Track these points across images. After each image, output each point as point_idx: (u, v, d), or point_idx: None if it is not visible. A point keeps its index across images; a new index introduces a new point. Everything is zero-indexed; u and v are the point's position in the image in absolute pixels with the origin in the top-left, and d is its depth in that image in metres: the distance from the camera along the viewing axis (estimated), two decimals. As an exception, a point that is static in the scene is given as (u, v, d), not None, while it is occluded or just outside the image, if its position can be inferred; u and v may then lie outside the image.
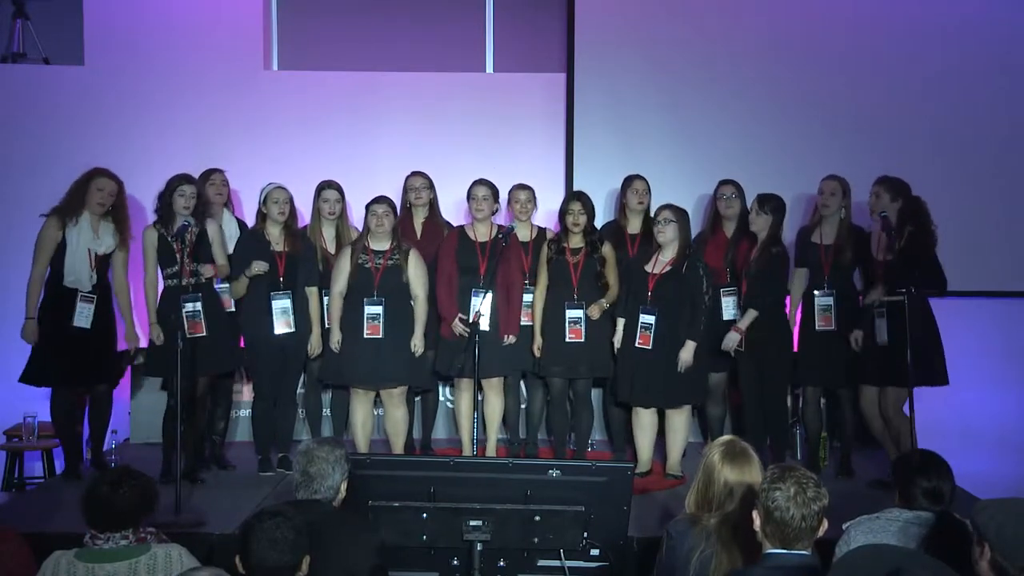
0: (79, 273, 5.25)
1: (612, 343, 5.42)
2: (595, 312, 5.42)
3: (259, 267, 5.32)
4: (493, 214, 5.57)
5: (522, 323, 5.53)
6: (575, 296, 5.45)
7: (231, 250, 5.52)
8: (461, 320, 5.33)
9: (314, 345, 5.47)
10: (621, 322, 5.39)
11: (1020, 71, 6.67)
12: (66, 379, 5.34)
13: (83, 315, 5.27)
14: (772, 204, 5.40)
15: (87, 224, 5.28)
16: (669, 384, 5.26)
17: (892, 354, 5.08)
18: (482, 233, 5.51)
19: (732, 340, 5.38)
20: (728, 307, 5.54)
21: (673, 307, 5.24)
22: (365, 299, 5.27)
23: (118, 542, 3.09)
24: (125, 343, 5.52)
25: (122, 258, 5.44)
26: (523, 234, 5.65)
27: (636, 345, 5.29)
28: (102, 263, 5.35)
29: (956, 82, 6.64)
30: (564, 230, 5.57)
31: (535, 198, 5.71)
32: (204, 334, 5.22)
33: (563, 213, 5.57)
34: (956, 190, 6.27)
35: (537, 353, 5.52)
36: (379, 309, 5.27)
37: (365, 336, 5.25)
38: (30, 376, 5.32)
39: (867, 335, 5.35)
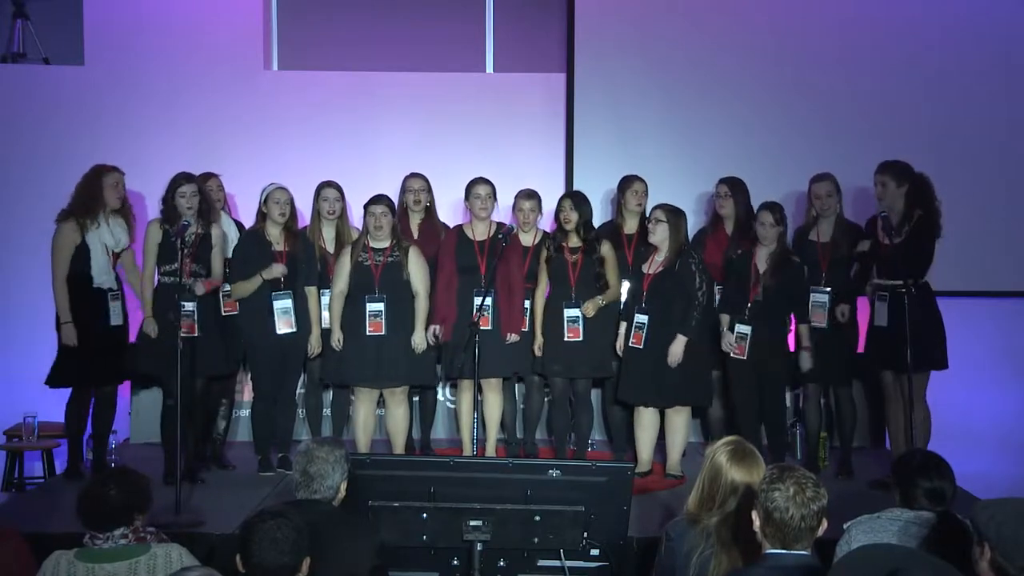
0: (108, 273, 5.29)
1: (614, 344, 5.43)
2: (589, 309, 5.40)
3: (279, 270, 5.32)
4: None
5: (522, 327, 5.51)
6: (572, 296, 5.44)
7: (230, 254, 5.51)
8: (440, 329, 5.32)
9: (314, 345, 5.47)
10: (623, 326, 5.40)
11: (1020, 71, 6.67)
12: (94, 379, 5.34)
13: (116, 313, 5.34)
14: (780, 212, 5.34)
15: (104, 223, 5.29)
16: (665, 384, 5.25)
17: (901, 340, 5.06)
18: (481, 232, 5.49)
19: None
20: None
21: (667, 306, 5.23)
22: (367, 296, 5.26)
23: (117, 541, 3.09)
24: (139, 335, 5.41)
25: (131, 252, 5.48)
26: (526, 238, 5.62)
27: (630, 344, 5.32)
28: (114, 260, 5.38)
29: (956, 81, 6.65)
30: (560, 228, 5.56)
31: (540, 206, 5.63)
32: (197, 335, 5.19)
33: (557, 212, 5.57)
34: (956, 190, 6.24)
35: (538, 352, 5.52)
36: (380, 306, 5.25)
37: (368, 334, 5.24)
38: (58, 379, 5.29)
39: (854, 311, 5.44)
